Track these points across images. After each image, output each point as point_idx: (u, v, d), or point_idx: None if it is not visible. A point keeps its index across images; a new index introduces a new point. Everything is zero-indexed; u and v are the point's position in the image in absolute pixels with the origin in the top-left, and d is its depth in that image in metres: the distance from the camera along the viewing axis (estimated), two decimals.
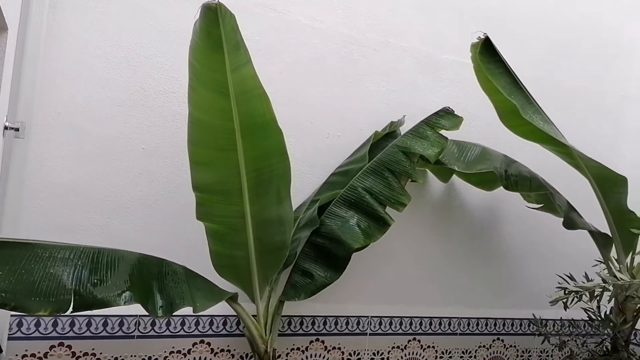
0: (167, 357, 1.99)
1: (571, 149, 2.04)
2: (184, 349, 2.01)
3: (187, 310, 1.50)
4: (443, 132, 2.03)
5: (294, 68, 2.22)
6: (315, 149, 2.26)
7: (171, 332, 1.99)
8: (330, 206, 1.95)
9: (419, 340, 2.42)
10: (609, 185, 2.11)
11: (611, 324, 2.16)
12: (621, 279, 1.89)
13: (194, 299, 1.54)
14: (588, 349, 2.32)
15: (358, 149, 2.28)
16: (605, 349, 2.26)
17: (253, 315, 1.85)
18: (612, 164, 2.09)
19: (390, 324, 2.37)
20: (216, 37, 1.35)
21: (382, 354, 2.34)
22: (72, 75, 1.89)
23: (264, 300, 1.89)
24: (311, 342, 2.22)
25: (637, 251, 2.19)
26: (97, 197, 1.91)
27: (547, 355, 2.70)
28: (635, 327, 2.29)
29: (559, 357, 2.72)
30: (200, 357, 2.03)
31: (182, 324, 2.01)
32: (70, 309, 1.26)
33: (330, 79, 2.28)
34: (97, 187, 1.91)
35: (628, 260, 2.21)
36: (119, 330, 1.91)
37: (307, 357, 2.21)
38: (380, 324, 2.34)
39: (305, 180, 2.22)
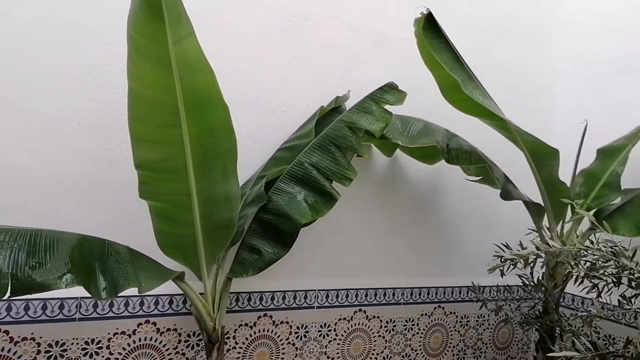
0: (111, 338, 1.94)
1: (508, 123, 2.12)
2: (128, 329, 1.97)
3: (131, 290, 1.47)
4: (387, 107, 2.05)
5: (237, 41, 2.17)
6: (261, 124, 2.23)
7: (115, 313, 1.94)
8: (277, 182, 1.94)
9: (364, 311, 2.48)
10: (542, 157, 2.22)
11: (543, 288, 2.30)
12: (553, 246, 1.99)
13: (139, 279, 1.50)
14: (522, 313, 2.46)
15: (304, 124, 2.28)
16: (537, 312, 2.41)
17: (200, 293, 1.83)
18: (545, 137, 2.19)
19: (337, 296, 2.41)
20: (157, 7, 1.29)
21: (329, 326, 2.39)
22: (5, 49, 1.76)
23: (211, 278, 1.87)
24: (259, 317, 2.23)
25: (566, 220, 2.32)
26: (33, 177, 1.81)
27: (484, 320, 2.84)
28: (564, 291, 2.44)
29: (495, 321, 2.87)
30: (145, 337, 2.00)
31: (126, 304, 1.97)
32: (8, 294, 1.20)
33: (275, 53, 2.25)
34: (33, 167, 1.81)
35: (559, 228, 2.34)
36: (59, 314, 1.84)
37: (255, 333, 2.22)
38: (327, 297, 2.38)
39: (251, 156, 2.20)
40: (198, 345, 2.10)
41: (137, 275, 1.51)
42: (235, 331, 2.18)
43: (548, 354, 2.19)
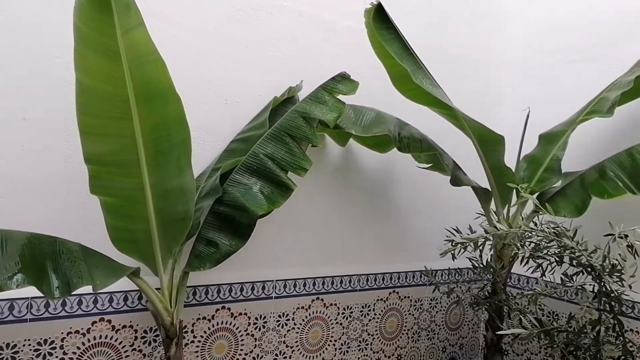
0: (65, 338, 1.89)
1: (456, 111, 2.19)
2: (82, 328, 1.92)
3: (85, 288, 1.43)
4: (340, 96, 2.07)
5: (189, 33, 2.13)
6: (214, 116, 2.21)
7: (67, 312, 1.89)
8: (233, 174, 1.93)
9: (322, 299, 2.52)
10: (488, 144, 2.30)
11: (491, 269, 2.40)
12: (500, 229, 2.08)
13: (92, 277, 1.47)
14: (472, 294, 2.56)
15: (258, 115, 2.27)
16: (486, 293, 2.51)
17: (157, 289, 1.81)
18: (492, 125, 2.28)
19: (295, 286, 2.43)
20: None
21: (287, 315, 2.41)
22: None
23: (167, 273, 1.85)
24: (217, 310, 2.22)
25: (512, 203, 2.43)
26: None
27: (437, 303, 2.94)
28: (511, 271, 2.56)
29: (447, 303, 2.98)
30: (100, 336, 1.96)
31: (79, 303, 1.92)
32: None
33: (227, 44, 2.23)
34: None
35: (505, 211, 2.45)
36: (9, 315, 1.78)
37: (213, 325, 2.21)
38: (285, 286, 2.40)
39: (204, 148, 2.18)
40: (155, 341, 2.07)
41: (91, 272, 1.48)
42: (193, 325, 2.16)
43: (497, 332, 2.29)
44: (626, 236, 1.85)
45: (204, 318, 2.19)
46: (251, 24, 2.28)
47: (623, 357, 1.96)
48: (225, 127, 2.23)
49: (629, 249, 1.86)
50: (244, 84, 2.27)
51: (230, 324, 2.25)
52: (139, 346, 2.04)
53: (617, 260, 1.91)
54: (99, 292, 1.93)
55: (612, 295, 1.90)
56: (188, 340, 2.15)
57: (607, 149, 2.36)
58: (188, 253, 1.90)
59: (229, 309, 2.25)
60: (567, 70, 2.83)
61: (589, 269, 1.91)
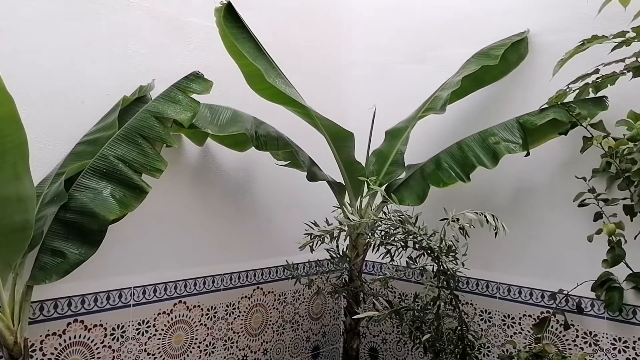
0: None
1: (309, 110, 2.30)
2: None
3: None
4: (195, 96, 2.05)
5: (21, 26, 1.95)
6: (56, 118, 2.05)
7: None
8: (79, 178, 1.81)
9: (184, 302, 2.47)
10: (340, 140, 2.45)
11: (347, 258, 2.56)
12: (353, 220, 2.23)
13: None
14: (331, 283, 2.71)
15: (106, 115, 2.15)
16: (344, 281, 2.67)
17: None
18: (343, 122, 2.42)
19: (155, 291, 2.36)
20: None
21: (147, 322, 2.33)
22: None
23: (7, 289, 1.70)
24: (69, 324, 2.08)
25: (364, 195, 2.60)
26: None
27: (300, 295, 3.04)
28: (366, 259, 2.75)
29: (309, 295, 3.10)
30: None
31: None
32: None
33: (68, 40, 2.08)
34: None
35: (358, 204, 2.62)
36: None
37: (65, 341, 2.06)
38: (144, 293, 2.31)
39: (46, 152, 2.02)
40: None
41: None
42: (42, 342, 1.99)
43: (354, 317, 2.45)
44: (458, 219, 2.10)
45: (54, 334, 2.03)
46: (93, 18, 2.15)
47: (459, 327, 2.22)
48: (69, 130, 2.08)
49: (461, 231, 2.11)
50: (88, 83, 2.14)
51: (85, 337, 2.12)
52: None
53: (451, 241, 2.16)
54: None
55: (448, 273, 2.14)
56: (37, 358, 1.97)
57: (443, 141, 2.63)
58: (31, 265, 1.75)
59: (82, 321, 2.11)
60: (402, 71, 3.10)
61: (429, 251, 2.13)
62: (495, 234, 2.05)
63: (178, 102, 2.01)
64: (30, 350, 1.94)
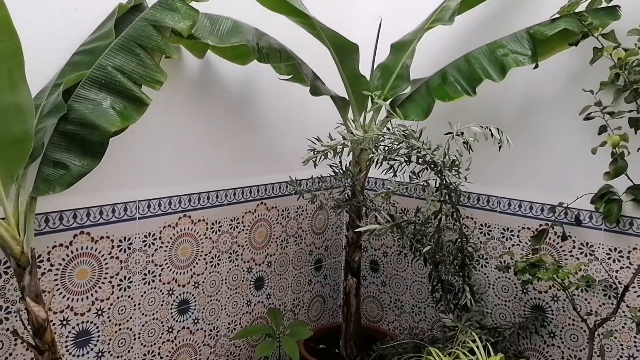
0: None
1: (313, 20, 2.20)
2: None
3: None
4: (193, 4, 1.95)
5: None
6: (51, 26, 1.97)
7: None
8: (78, 89, 1.76)
9: (189, 216, 2.51)
10: (344, 53, 2.37)
11: (350, 174, 2.56)
12: (356, 134, 2.21)
13: None
14: (334, 198, 2.73)
15: (102, 24, 2.07)
16: (346, 196, 2.69)
17: (2, 218, 1.66)
18: (346, 34, 2.33)
19: (159, 205, 2.38)
20: None
21: (153, 235, 2.37)
22: None
23: (11, 200, 1.70)
24: (75, 236, 2.11)
25: (368, 110, 2.56)
26: None
27: (303, 211, 3.08)
28: (368, 176, 2.75)
29: (312, 210, 3.14)
30: None
31: None
32: None
33: None
34: None
35: (361, 119, 2.58)
36: None
37: (72, 252, 2.11)
38: (149, 206, 2.34)
39: (42, 63, 1.96)
40: (7, 273, 1.93)
41: None
42: (49, 253, 2.04)
43: (356, 230, 2.50)
44: (462, 133, 2.07)
45: (61, 245, 2.07)
46: None
47: (459, 239, 2.26)
48: (64, 39, 2.00)
49: (465, 145, 2.09)
50: None
51: (92, 248, 2.16)
52: None
53: (455, 156, 2.15)
54: None
55: (450, 187, 2.15)
56: (45, 269, 2.03)
57: (450, 54, 2.54)
58: (34, 177, 1.75)
59: (88, 233, 2.15)
60: None
61: (432, 165, 2.12)
62: (500, 147, 2.04)
63: (176, 10, 1.92)
64: (38, 260, 1.99)
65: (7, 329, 1.94)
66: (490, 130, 2.04)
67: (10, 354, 1.96)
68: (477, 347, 1.97)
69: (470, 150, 2.11)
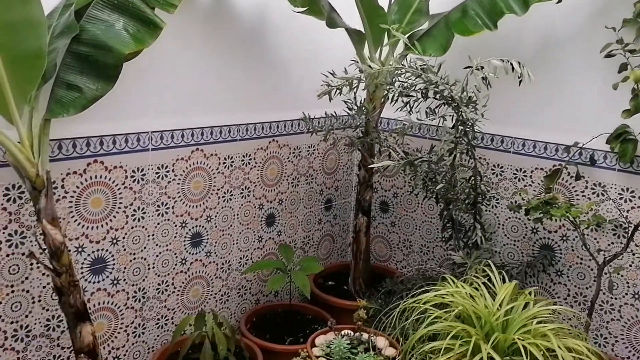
0: None
1: None
2: None
3: None
4: None
5: None
6: None
7: None
8: (89, 10, 1.72)
9: (202, 150, 2.50)
10: None
11: (365, 110, 2.53)
12: (372, 67, 2.16)
13: None
14: (347, 135, 2.70)
15: None
16: (360, 133, 2.66)
17: (17, 142, 1.66)
18: None
19: (172, 137, 2.37)
20: None
21: (166, 167, 2.37)
22: None
23: (25, 122, 1.69)
24: (89, 164, 2.11)
25: (384, 44, 2.50)
26: None
27: (314, 150, 3.06)
28: (381, 116, 2.72)
29: (324, 149, 3.12)
30: None
31: None
32: None
33: None
34: None
35: (377, 54, 2.52)
36: None
37: (86, 180, 2.11)
38: (161, 138, 2.33)
39: None
40: (20, 198, 1.94)
41: None
42: (63, 180, 2.05)
43: (369, 166, 2.48)
44: (482, 67, 2.02)
45: (75, 173, 2.08)
46: None
47: (472, 177, 2.25)
48: None
49: (483, 81, 2.04)
50: None
51: (106, 177, 2.17)
52: (2, 204, 1.90)
53: (473, 92, 2.11)
54: None
55: (467, 122, 2.12)
56: (59, 196, 2.04)
57: None
58: (47, 100, 1.73)
59: (102, 162, 2.15)
60: None
61: (450, 100, 2.08)
62: (520, 82, 1.99)
63: None
64: (51, 183, 1.99)
65: (23, 253, 1.97)
66: (511, 63, 1.98)
67: (27, 278, 2.00)
68: (493, 272, 2.00)
69: (489, 86, 2.06)
